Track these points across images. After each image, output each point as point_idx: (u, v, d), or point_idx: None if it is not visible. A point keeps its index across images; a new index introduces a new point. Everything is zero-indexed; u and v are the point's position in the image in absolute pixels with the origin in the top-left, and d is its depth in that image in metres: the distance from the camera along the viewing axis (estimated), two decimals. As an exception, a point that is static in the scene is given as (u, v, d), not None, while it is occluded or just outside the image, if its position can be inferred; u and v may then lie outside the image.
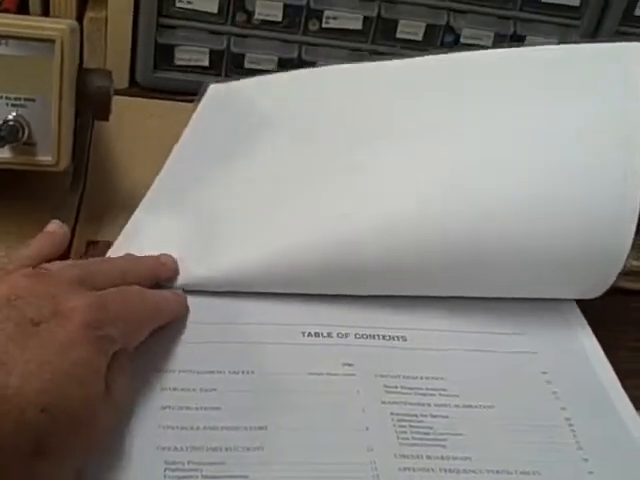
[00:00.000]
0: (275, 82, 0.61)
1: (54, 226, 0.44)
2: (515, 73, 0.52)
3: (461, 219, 0.46)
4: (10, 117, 0.46)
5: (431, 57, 0.55)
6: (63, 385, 0.33)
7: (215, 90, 0.62)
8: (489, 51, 0.54)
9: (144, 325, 0.41)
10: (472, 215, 0.46)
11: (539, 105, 0.49)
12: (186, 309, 0.45)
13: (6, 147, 0.46)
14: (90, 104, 0.49)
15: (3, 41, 0.45)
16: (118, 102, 0.52)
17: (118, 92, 0.59)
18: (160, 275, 0.45)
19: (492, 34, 0.70)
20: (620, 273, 0.47)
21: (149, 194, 0.53)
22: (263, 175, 0.53)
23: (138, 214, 0.51)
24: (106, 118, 0.50)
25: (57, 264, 0.40)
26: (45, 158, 0.47)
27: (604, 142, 0.46)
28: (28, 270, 0.37)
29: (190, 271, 0.46)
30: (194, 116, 0.60)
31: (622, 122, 0.47)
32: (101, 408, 0.35)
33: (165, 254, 0.46)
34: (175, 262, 0.46)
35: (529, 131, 0.48)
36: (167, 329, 0.43)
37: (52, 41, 0.45)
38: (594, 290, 0.48)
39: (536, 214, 0.45)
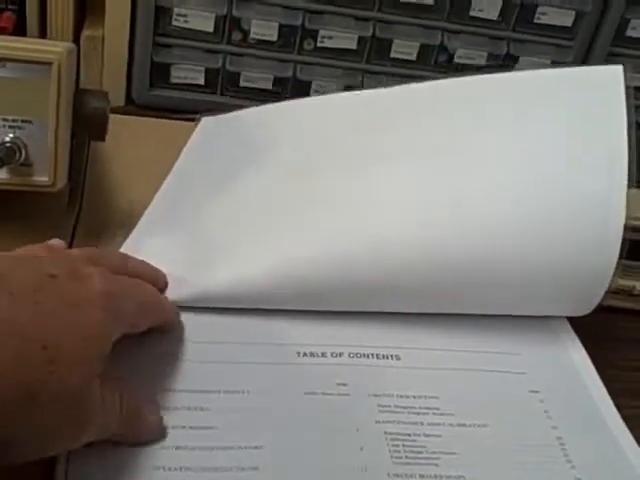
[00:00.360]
0: (266, 112, 0.63)
1: (55, 242, 0.45)
2: (503, 98, 0.53)
3: (455, 239, 0.46)
4: (7, 139, 0.46)
5: (424, 84, 0.56)
6: (69, 333, 0.33)
7: (207, 122, 0.64)
8: (476, 77, 0.55)
9: (148, 313, 0.42)
10: (466, 235, 0.46)
11: (526, 129, 0.50)
12: (178, 316, 0.45)
13: (3, 168, 0.46)
14: (86, 125, 0.49)
15: (1, 63, 0.45)
16: (114, 120, 0.52)
17: (114, 110, 0.59)
18: (159, 284, 0.46)
19: (485, 54, 0.71)
20: (608, 291, 0.47)
21: (145, 215, 0.54)
22: (259, 197, 0.54)
23: (135, 234, 0.51)
24: (102, 138, 0.50)
25: None
26: (41, 179, 0.47)
27: (589, 164, 0.47)
28: (45, 245, 0.39)
29: (187, 288, 0.47)
30: (188, 144, 0.62)
31: (605, 144, 0.48)
32: (95, 386, 0.34)
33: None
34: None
35: (515, 155, 0.49)
36: (160, 346, 0.43)
37: (49, 64, 0.45)
38: (583, 308, 0.49)
39: (525, 234, 0.46)
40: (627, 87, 0.50)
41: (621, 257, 0.46)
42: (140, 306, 0.41)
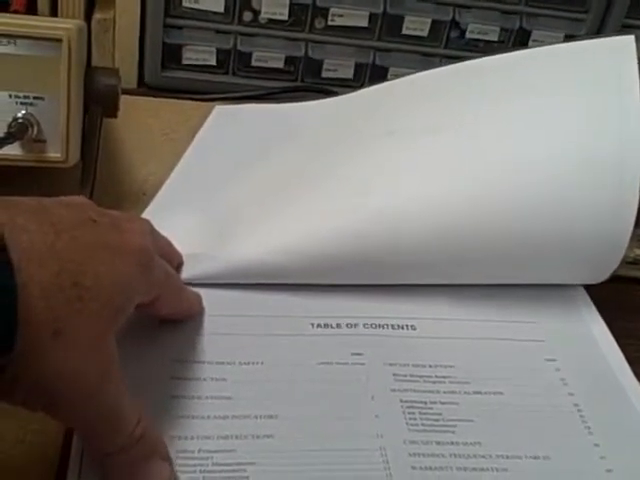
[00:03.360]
0: (285, 107, 0.65)
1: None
2: (515, 75, 0.53)
3: (470, 209, 0.46)
4: (19, 115, 0.46)
5: (437, 69, 0.56)
6: (100, 274, 0.32)
7: (221, 110, 0.66)
8: (489, 57, 0.55)
9: (176, 291, 0.42)
10: (481, 205, 0.46)
11: (540, 102, 0.50)
12: (202, 308, 0.45)
13: (16, 144, 0.47)
14: (98, 102, 0.49)
15: (12, 41, 0.45)
16: (127, 102, 0.53)
17: (127, 92, 0.59)
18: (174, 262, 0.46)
19: (498, 29, 0.71)
20: (624, 261, 0.47)
21: (161, 192, 0.54)
22: (275, 175, 0.54)
23: (150, 210, 0.51)
24: (114, 115, 0.51)
25: None
26: (54, 155, 0.48)
27: (603, 132, 0.47)
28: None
29: (202, 265, 0.47)
30: (204, 126, 0.63)
31: (618, 113, 0.47)
32: (112, 338, 0.33)
33: None
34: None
35: (532, 126, 0.49)
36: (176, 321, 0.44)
37: (59, 40, 0.45)
38: (600, 274, 0.48)
39: (541, 201, 0.46)
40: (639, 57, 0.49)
41: (637, 225, 0.46)
42: (171, 279, 0.40)
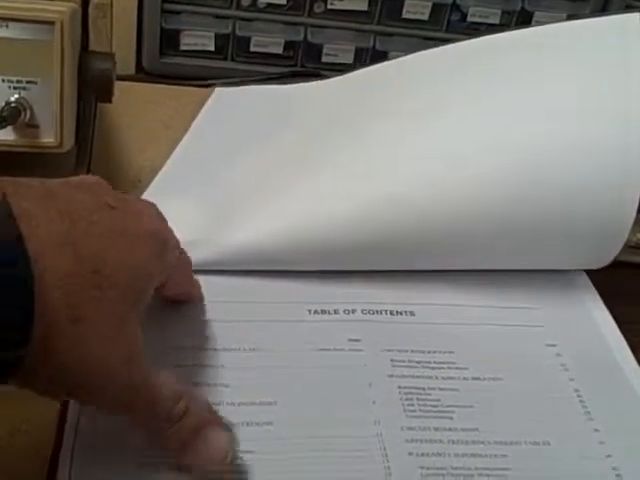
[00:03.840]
0: (284, 89, 0.64)
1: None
2: (517, 54, 0.52)
3: (467, 191, 0.45)
4: (12, 99, 0.46)
5: (434, 49, 0.56)
6: (119, 261, 0.32)
7: (221, 92, 0.65)
8: (489, 37, 0.54)
9: (187, 272, 0.42)
10: (482, 188, 0.45)
11: (541, 82, 0.49)
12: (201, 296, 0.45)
13: (10, 129, 0.46)
14: (92, 86, 0.49)
15: (4, 23, 0.45)
16: (125, 88, 0.52)
17: (125, 78, 0.59)
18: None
19: (499, 11, 0.70)
20: (629, 246, 0.46)
21: (156, 180, 0.54)
22: (274, 161, 0.54)
23: (147, 196, 0.51)
24: (109, 100, 0.50)
25: None
26: (48, 140, 0.47)
27: (606, 114, 0.46)
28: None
29: (199, 251, 0.46)
30: (202, 111, 0.62)
31: (623, 94, 0.46)
32: (135, 322, 0.33)
33: None
34: None
35: (532, 108, 0.48)
36: (175, 307, 0.43)
37: (52, 23, 0.45)
38: (600, 259, 0.48)
39: (542, 185, 0.45)
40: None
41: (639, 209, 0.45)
42: (179, 259, 0.40)
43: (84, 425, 0.37)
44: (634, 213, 0.45)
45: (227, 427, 0.36)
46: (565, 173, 0.45)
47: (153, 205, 0.39)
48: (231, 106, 0.63)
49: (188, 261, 0.42)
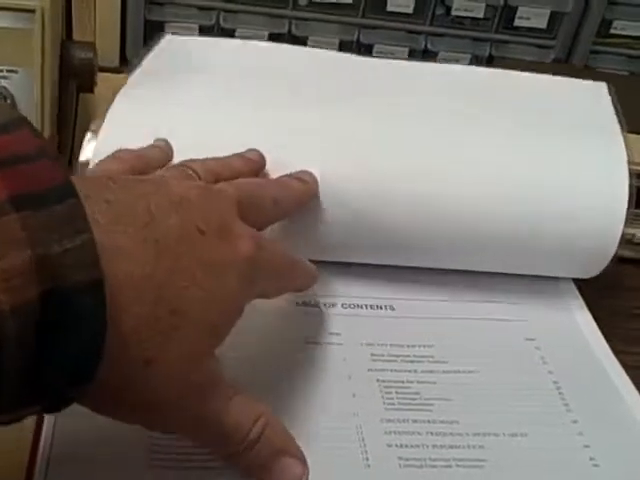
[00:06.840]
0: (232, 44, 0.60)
1: (253, 153, 0.42)
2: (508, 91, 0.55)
3: (458, 194, 0.45)
4: (-8, 88, 0.46)
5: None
6: (201, 298, 0.30)
7: (169, 39, 0.59)
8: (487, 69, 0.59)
9: (284, 279, 0.39)
10: (470, 191, 0.45)
11: (529, 113, 0.52)
12: (315, 280, 0.42)
13: (-11, 119, 0.46)
14: (73, 76, 0.49)
15: (-17, 12, 0.44)
16: (109, 79, 0.52)
17: (109, 70, 0.58)
18: (304, 200, 0.43)
19: (483, 5, 0.70)
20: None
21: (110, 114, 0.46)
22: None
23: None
24: (91, 90, 0.50)
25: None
26: (28, 130, 0.47)
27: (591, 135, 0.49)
28: (200, 182, 0.36)
29: None
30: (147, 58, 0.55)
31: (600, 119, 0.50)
32: (212, 356, 0.32)
33: (253, 149, 0.43)
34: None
35: (521, 126, 0.50)
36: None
37: (32, 11, 0.45)
38: (589, 271, 0.48)
39: (528, 198, 0.45)
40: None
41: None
42: (277, 273, 0.38)
43: (60, 434, 0.36)
44: (620, 233, 0.45)
45: (302, 455, 0.35)
46: (554, 186, 0.46)
47: (250, 199, 0.36)
48: (177, 51, 0.57)
49: (286, 270, 0.39)
